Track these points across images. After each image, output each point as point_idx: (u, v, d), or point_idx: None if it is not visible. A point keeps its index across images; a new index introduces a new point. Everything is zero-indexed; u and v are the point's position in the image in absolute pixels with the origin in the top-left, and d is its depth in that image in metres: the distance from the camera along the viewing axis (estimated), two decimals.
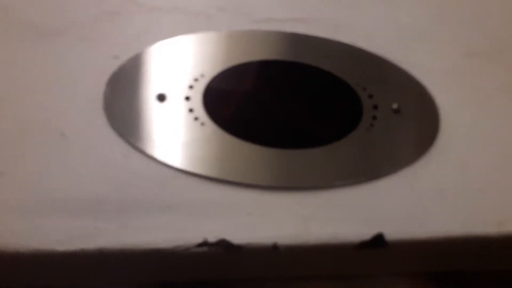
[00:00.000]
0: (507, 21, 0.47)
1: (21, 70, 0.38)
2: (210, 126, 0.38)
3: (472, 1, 0.48)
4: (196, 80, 0.39)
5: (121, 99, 0.38)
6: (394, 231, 0.36)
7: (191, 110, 0.38)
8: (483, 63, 0.45)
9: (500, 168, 0.40)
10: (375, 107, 0.41)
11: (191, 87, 0.39)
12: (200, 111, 0.38)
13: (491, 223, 0.38)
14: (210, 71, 0.40)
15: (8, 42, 0.40)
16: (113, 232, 0.33)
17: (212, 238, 0.34)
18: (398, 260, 0.39)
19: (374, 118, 0.40)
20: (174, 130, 0.37)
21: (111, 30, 0.41)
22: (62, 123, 0.36)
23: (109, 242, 0.33)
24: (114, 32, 0.41)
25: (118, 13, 0.42)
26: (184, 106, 0.38)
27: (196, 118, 0.38)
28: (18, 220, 0.33)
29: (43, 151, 0.35)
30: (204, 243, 0.34)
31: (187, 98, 0.38)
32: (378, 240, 0.36)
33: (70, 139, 0.36)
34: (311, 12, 0.44)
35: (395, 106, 0.41)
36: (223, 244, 0.34)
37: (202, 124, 0.38)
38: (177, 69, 0.40)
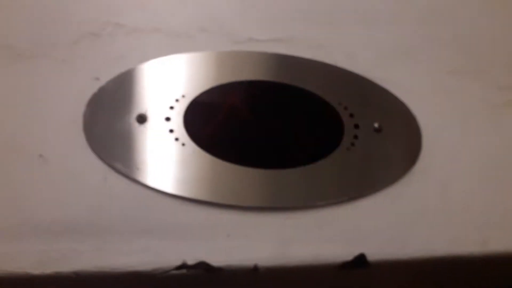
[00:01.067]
0: (487, 38, 0.49)
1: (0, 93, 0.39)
2: (191, 146, 0.38)
3: (452, 19, 0.50)
4: (177, 100, 0.40)
5: (101, 121, 0.38)
6: (377, 252, 0.37)
7: (171, 131, 0.39)
8: (464, 81, 0.46)
9: (482, 186, 0.41)
10: (356, 126, 0.42)
11: (171, 107, 0.40)
12: (180, 131, 0.39)
13: (475, 243, 0.39)
14: (191, 91, 0.41)
15: None
16: (90, 255, 0.33)
17: (191, 260, 0.34)
18: (381, 281, 0.39)
19: (355, 137, 0.41)
20: (154, 151, 0.38)
21: (91, 52, 0.41)
22: (41, 145, 0.37)
23: (86, 265, 0.33)
24: (95, 53, 0.41)
25: (99, 35, 0.43)
26: (164, 127, 0.39)
27: (176, 139, 0.39)
28: None
29: (20, 174, 0.36)
30: (183, 266, 0.34)
31: (168, 119, 0.39)
32: (360, 261, 0.37)
33: (49, 161, 0.36)
34: (292, 33, 0.46)
35: (376, 125, 0.42)
36: (203, 267, 0.34)
37: (183, 144, 0.38)
38: (158, 90, 0.41)
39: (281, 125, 0.41)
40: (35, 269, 0.33)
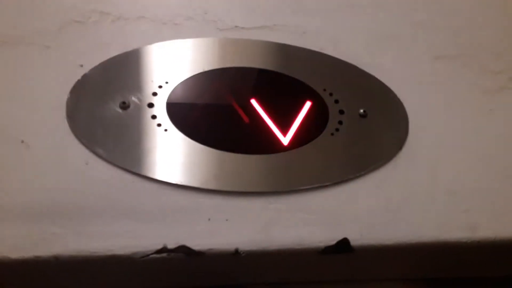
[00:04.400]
0: (474, 23, 0.48)
1: None
2: (173, 132, 0.38)
3: (439, 4, 0.49)
4: (160, 87, 0.40)
5: (85, 107, 0.38)
6: (360, 236, 0.36)
7: (154, 117, 0.39)
8: (451, 65, 0.45)
9: (471, 171, 0.40)
10: (341, 112, 0.41)
11: (154, 94, 0.40)
12: (163, 117, 0.39)
13: (464, 228, 0.38)
14: (175, 78, 0.41)
15: None
16: (70, 239, 0.33)
17: (172, 244, 0.34)
18: (366, 267, 0.39)
19: (340, 123, 0.41)
20: (136, 137, 0.38)
21: (76, 39, 0.42)
22: (23, 131, 0.37)
23: (65, 248, 0.33)
24: (79, 41, 0.42)
25: (84, 23, 0.43)
26: (147, 113, 0.39)
27: (159, 125, 0.38)
28: None
29: (2, 158, 0.36)
30: (164, 250, 0.34)
31: (151, 105, 0.39)
32: (344, 245, 0.36)
33: (31, 146, 0.36)
34: (277, 20, 0.45)
35: (361, 111, 0.42)
36: (183, 250, 0.34)
37: (165, 130, 0.38)
38: (141, 77, 0.41)
39: (264, 110, 0.40)
40: (15, 253, 0.32)
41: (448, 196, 0.39)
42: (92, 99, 0.39)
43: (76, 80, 0.39)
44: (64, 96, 0.39)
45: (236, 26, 0.45)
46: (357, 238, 0.36)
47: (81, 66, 0.40)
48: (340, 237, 0.36)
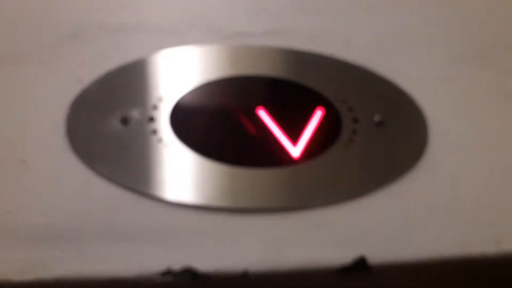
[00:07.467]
0: (495, 23, 0.47)
1: None
2: (176, 146, 0.38)
3: (457, 4, 0.49)
4: (161, 100, 0.40)
5: (84, 123, 0.39)
6: (378, 254, 0.36)
7: (155, 132, 0.39)
8: (473, 68, 0.45)
9: (495, 182, 0.39)
10: (355, 120, 0.41)
11: (155, 107, 0.40)
12: (164, 132, 0.39)
13: (488, 242, 0.37)
14: (178, 90, 0.41)
15: None
16: (71, 261, 0.33)
17: (177, 266, 0.34)
18: (384, 286, 0.38)
19: (354, 132, 0.40)
20: (137, 153, 0.38)
21: (73, 54, 0.42)
22: (23, 150, 0.37)
23: (67, 271, 0.33)
24: (77, 55, 0.42)
25: (80, 36, 0.43)
26: (148, 127, 0.39)
27: (160, 140, 0.39)
28: None
29: (1, 179, 0.36)
30: (168, 272, 0.34)
31: (151, 119, 0.39)
32: (360, 264, 0.36)
33: (31, 165, 0.37)
34: (284, 24, 0.45)
35: (377, 118, 0.41)
36: (189, 273, 0.34)
37: (167, 145, 0.38)
38: (142, 89, 0.41)
39: (273, 121, 0.40)
40: (17, 276, 0.33)
41: (471, 208, 0.38)
42: (92, 115, 0.39)
43: (74, 95, 0.40)
44: (63, 112, 0.39)
45: (240, 32, 0.46)
46: (374, 256, 0.36)
47: (80, 81, 0.41)
48: (356, 255, 0.36)
